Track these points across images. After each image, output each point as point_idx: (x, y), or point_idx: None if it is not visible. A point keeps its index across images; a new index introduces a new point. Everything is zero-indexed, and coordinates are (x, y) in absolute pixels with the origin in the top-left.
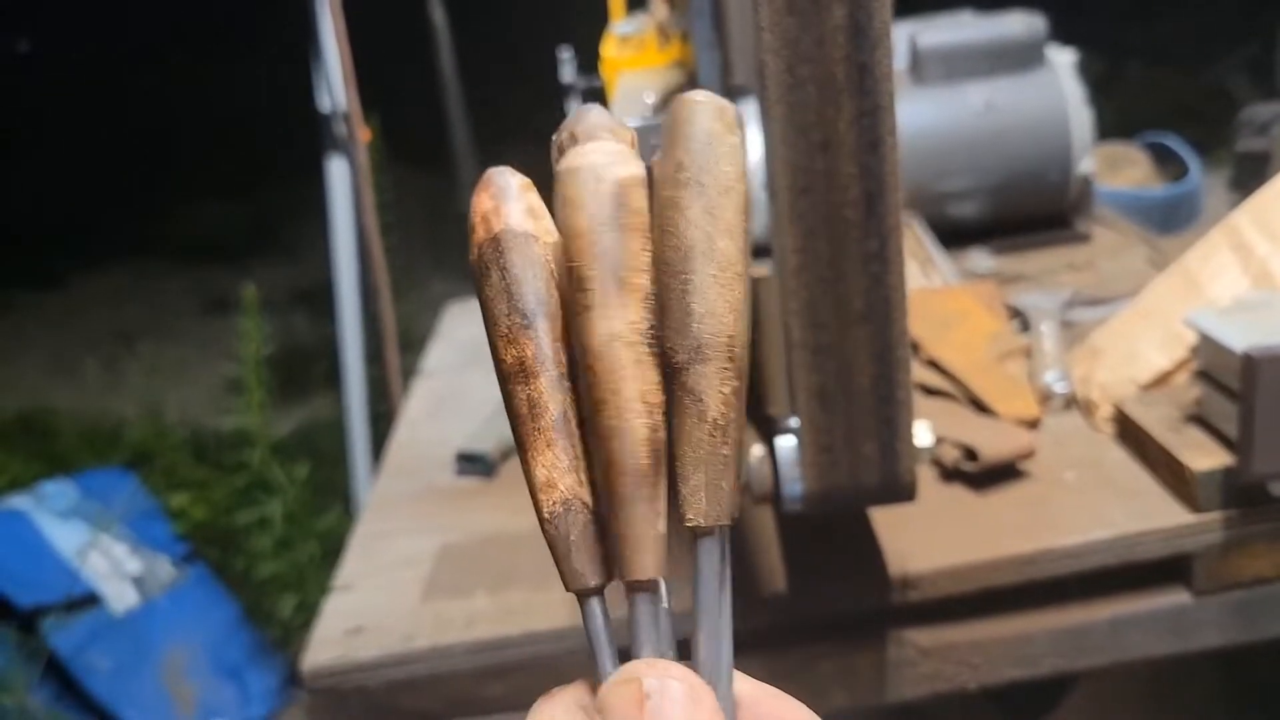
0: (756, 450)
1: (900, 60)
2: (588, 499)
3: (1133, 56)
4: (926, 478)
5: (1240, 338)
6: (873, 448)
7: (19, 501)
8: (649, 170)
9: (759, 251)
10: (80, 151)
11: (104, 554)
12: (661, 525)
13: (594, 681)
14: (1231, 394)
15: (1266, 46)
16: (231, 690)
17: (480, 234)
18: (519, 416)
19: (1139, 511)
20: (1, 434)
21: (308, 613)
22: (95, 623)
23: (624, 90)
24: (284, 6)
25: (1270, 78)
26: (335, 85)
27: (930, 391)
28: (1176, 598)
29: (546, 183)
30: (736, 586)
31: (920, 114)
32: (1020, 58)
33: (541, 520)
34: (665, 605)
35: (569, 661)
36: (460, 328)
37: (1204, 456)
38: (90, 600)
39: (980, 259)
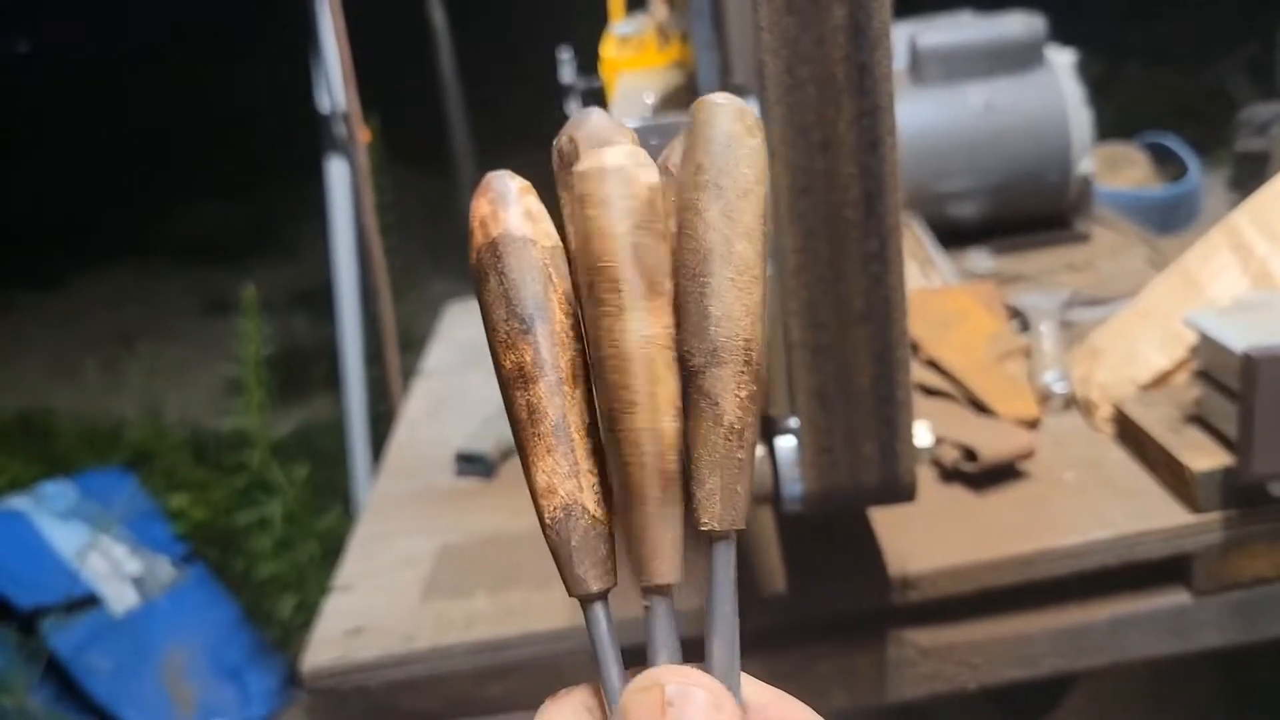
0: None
1: (900, 60)
2: (588, 504)
3: (1132, 56)
4: (926, 478)
5: (1240, 338)
6: (872, 448)
7: (19, 502)
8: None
9: None
10: (80, 151)
11: (104, 555)
12: (680, 530)
13: (598, 685)
14: (1231, 394)
15: (1266, 46)
16: (231, 691)
17: (478, 239)
18: (519, 422)
19: (1139, 512)
20: (1, 434)
21: (308, 613)
22: (95, 623)
23: (624, 91)
24: (284, 6)
25: (1270, 78)
26: (335, 85)
27: (930, 391)
28: (1176, 598)
29: (547, 184)
30: (737, 587)
31: (920, 114)
32: (1020, 58)
33: (543, 526)
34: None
35: (569, 662)
36: (460, 328)
37: (1204, 457)
38: (90, 601)
39: (980, 259)
